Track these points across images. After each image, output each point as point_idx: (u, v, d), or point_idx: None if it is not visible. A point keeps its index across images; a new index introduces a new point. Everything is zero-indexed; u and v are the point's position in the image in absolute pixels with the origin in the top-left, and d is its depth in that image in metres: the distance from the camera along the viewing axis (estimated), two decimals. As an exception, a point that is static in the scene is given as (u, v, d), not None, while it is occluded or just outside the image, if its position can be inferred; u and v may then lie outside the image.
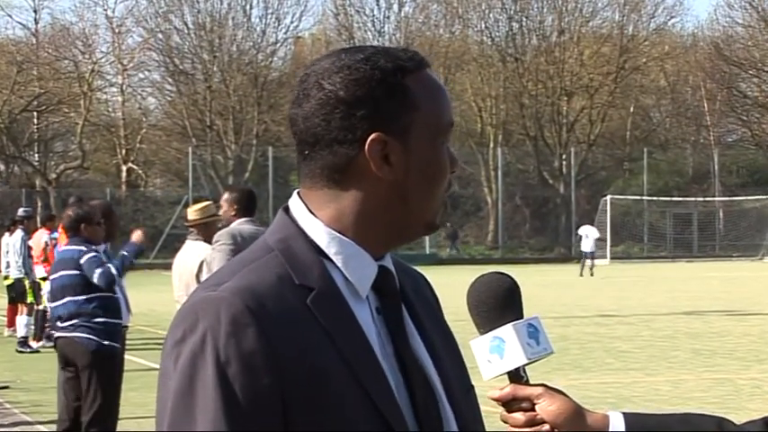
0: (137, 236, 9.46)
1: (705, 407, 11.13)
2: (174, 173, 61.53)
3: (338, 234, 1.85)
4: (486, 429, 1.98)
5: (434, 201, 1.88)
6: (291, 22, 60.28)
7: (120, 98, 60.98)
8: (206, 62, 58.28)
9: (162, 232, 51.69)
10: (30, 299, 18.62)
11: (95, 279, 8.62)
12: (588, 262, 41.10)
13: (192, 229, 8.99)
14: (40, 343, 18.01)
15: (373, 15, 60.46)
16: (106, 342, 8.68)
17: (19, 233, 18.82)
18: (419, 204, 1.86)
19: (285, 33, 60.09)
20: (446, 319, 2.02)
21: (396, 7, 60.80)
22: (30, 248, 18.57)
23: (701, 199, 60.22)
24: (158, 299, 23.26)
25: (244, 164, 57.22)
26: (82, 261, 8.72)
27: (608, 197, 54.79)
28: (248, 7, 58.97)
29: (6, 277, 19.34)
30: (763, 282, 34.63)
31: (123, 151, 59.03)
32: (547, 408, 1.93)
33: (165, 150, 60.05)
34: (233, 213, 8.18)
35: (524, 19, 61.15)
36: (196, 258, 8.57)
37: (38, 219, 20.00)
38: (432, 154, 1.86)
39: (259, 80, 57.65)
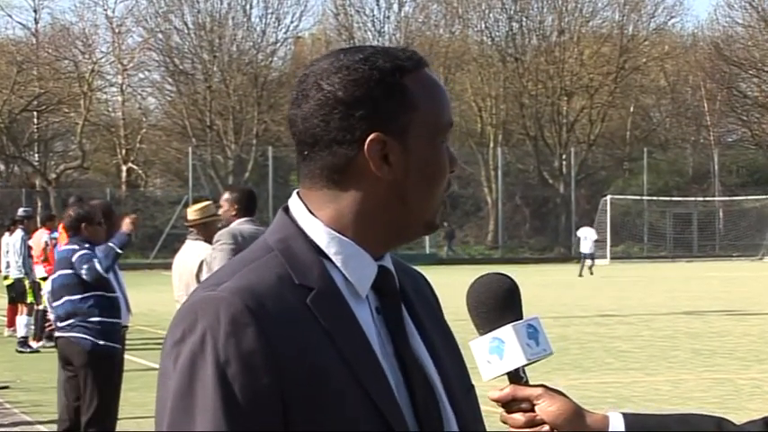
0: (125, 224, 9.30)
1: (705, 407, 11.13)
2: (174, 173, 61.55)
3: (338, 234, 1.85)
4: (487, 429, 1.98)
5: (434, 200, 1.88)
6: (291, 22, 60.37)
7: (120, 98, 61.02)
8: (206, 62, 58.29)
9: (162, 232, 51.71)
10: (30, 299, 18.62)
11: (84, 276, 8.63)
12: (588, 262, 41.15)
13: (191, 229, 8.99)
14: (40, 343, 18.02)
15: (373, 15, 60.54)
16: (102, 342, 8.64)
17: (19, 233, 18.83)
18: (419, 204, 1.86)
19: (285, 33, 60.19)
20: (446, 319, 2.02)
21: (396, 7, 60.89)
22: (30, 248, 18.58)
23: (701, 199, 60.22)
24: (158, 299, 23.26)
25: (244, 164, 57.23)
26: (73, 259, 8.73)
27: (608, 197, 54.80)
28: (248, 7, 59.05)
29: (6, 277, 19.34)
30: (763, 282, 34.63)
31: (123, 151, 59.03)
32: (546, 408, 1.93)
33: (165, 150, 60.06)
34: (233, 213, 8.18)
35: (524, 19, 61.17)
36: (196, 258, 8.57)
37: (38, 219, 20.01)
38: (431, 153, 1.86)
39: (259, 80, 57.66)
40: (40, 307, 17.70)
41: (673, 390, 13.06)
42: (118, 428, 9.11)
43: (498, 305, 1.95)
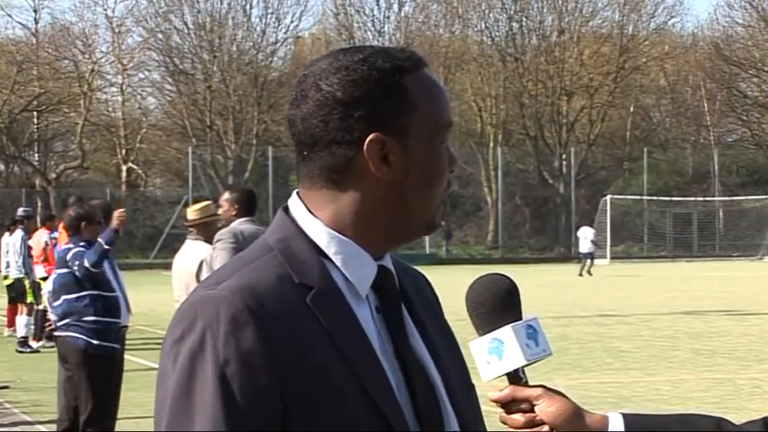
0: (113, 220, 9.21)
1: (705, 407, 11.13)
2: (173, 173, 61.55)
3: (338, 234, 1.86)
4: (487, 430, 1.98)
5: (433, 200, 1.88)
6: (291, 22, 60.35)
7: (120, 98, 61.00)
8: (206, 62, 58.29)
9: (162, 232, 51.72)
10: (30, 299, 18.62)
11: (76, 272, 8.64)
12: (588, 262, 41.19)
13: (191, 229, 8.99)
14: (40, 343, 18.02)
15: (373, 15, 60.52)
16: (96, 342, 8.61)
17: (19, 233, 18.83)
18: (418, 204, 1.86)
19: (285, 33, 60.17)
20: (446, 319, 2.02)
21: (396, 7, 60.87)
22: (30, 248, 18.58)
23: (701, 199, 60.22)
24: (158, 299, 23.26)
25: (244, 164, 57.23)
26: (67, 258, 8.74)
27: (608, 197, 54.80)
28: (248, 7, 59.03)
29: (6, 277, 19.34)
30: (763, 282, 34.63)
31: (123, 151, 59.02)
32: (546, 409, 1.93)
33: (165, 150, 60.05)
34: (233, 213, 8.18)
35: (524, 19, 61.16)
36: (196, 258, 8.57)
37: (38, 219, 20.00)
38: (430, 153, 1.86)
39: (259, 80, 57.66)
40: (40, 307, 17.70)
41: (673, 390, 13.06)
42: (117, 428, 9.12)
43: (497, 306, 1.95)
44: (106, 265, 8.98)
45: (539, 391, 1.94)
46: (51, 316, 9.45)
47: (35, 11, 60.60)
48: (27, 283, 18.68)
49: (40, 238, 18.48)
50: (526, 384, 1.94)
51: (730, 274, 39.57)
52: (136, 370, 13.34)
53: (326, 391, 1.75)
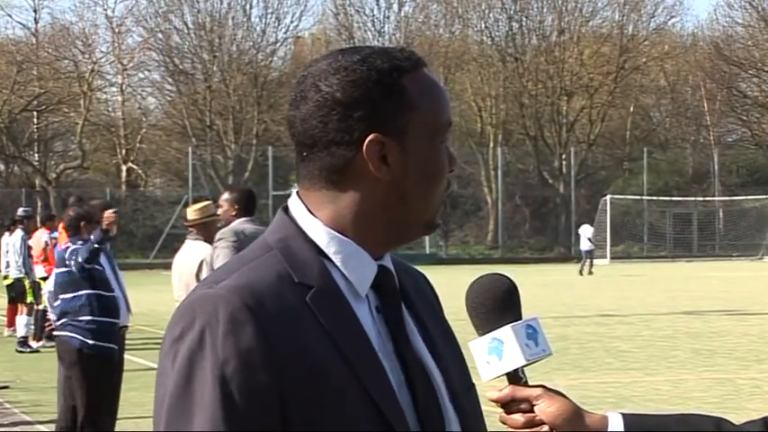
0: (104, 221, 9.00)
1: (705, 407, 11.13)
2: (173, 173, 61.54)
3: (337, 234, 1.86)
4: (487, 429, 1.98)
5: (433, 200, 1.88)
6: (291, 22, 60.34)
7: (119, 98, 61.00)
8: (206, 62, 58.28)
9: (162, 232, 51.71)
10: (30, 299, 18.62)
11: (73, 268, 8.63)
12: (588, 261, 41.21)
13: (191, 229, 8.98)
14: (40, 343, 18.02)
15: (373, 15, 60.51)
16: (91, 341, 8.58)
17: (19, 233, 18.83)
18: (418, 204, 1.86)
19: (285, 33, 60.16)
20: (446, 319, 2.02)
21: (396, 7, 60.86)
22: (30, 248, 18.58)
23: (701, 199, 60.21)
24: (158, 299, 23.25)
25: (244, 164, 57.22)
26: (66, 256, 8.75)
27: (608, 197, 54.79)
28: (248, 7, 59.03)
29: (6, 277, 19.34)
30: (763, 282, 34.62)
31: (123, 151, 59.02)
32: (546, 409, 1.93)
33: (164, 150, 60.05)
34: (233, 213, 8.18)
35: (524, 19, 61.15)
36: (196, 258, 8.57)
37: (38, 218, 20.00)
38: (430, 153, 1.86)
39: (259, 80, 57.65)
40: (40, 307, 17.71)
41: (672, 390, 13.06)
42: (117, 428, 9.11)
43: (497, 306, 1.95)
44: (106, 264, 8.97)
45: (538, 391, 1.94)
46: (51, 315, 9.45)
47: (35, 11, 60.65)
48: (27, 282, 18.68)
49: (40, 237, 18.48)
50: (526, 384, 1.94)
51: (730, 274, 39.56)
52: (136, 370, 13.34)
53: (326, 390, 1.75)
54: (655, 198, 57.90)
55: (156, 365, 1.82)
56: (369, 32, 59.74)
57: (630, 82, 62.18)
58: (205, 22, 58.03)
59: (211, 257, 8.05)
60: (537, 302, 23.56)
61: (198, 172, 55.03)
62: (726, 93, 62.85)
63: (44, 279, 16.40)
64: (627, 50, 61.15)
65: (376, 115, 1.83)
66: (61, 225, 12.82)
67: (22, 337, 18.16)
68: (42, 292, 16.92)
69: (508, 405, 1.94)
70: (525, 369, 1.94)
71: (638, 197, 57.49)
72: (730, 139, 67.06)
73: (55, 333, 8.92)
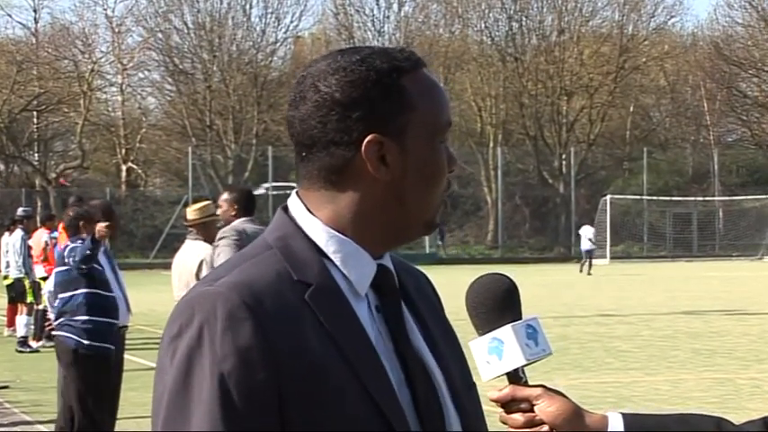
0: (96, 231, 8.82)
1: (705, 406, 11.13)
2: (173, 172, 61.54)
3: (336, 233, 1.86)
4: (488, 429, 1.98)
5: (433, 200, 1.88)
6: (291, 22, 60.32)
7: (119, 98, 60.99)
8: (206, 62, 58.28)
9: (162, 232, 51.71)
10: (29, 298, 18.62)
11: (72, 267, 8.63)
12: (588, 261, 41.22)
13: (191, 229, 8.98)
14: (40, 343, 18.02)
15: (373, 15, 60.49)
16: (87, 342, 8.55)
17: (19, 233, 18.83)
18: (417, 204, 1.86)
19: (285, 33, 60.14)
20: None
21: (395, 7, 60.84)
22: (29, 248, 18.58)
23: (701, 199, 60.21)
24: (158, 298, 23.25)
25: (243, 163, 57.22)
26: (65, 254, 8.74)
27: (608, 197, 54.79)
28: (248, 7, 59.01)
29: (6, 277, 19.34)
30: (762, 281, 34.63)
31: (123, 151, 59.02)
32: (546, 409, 1.93)
33: (164, 150, 60.04)
34: (233, 213, 8.18)
35: (524, 18, 61.14)
36: (195, 258, 8.57)
37: (37, 218, 20.00)
38: (429, 154, 1.86)
39: (259, 80, 57.64)
40: (40, 307, 17.71)
41: (672, 390, 13.06)
42: (117, 428, 9.11)
43: (497, 306, 1.95)
44: (106, 265, 8.97)
45: (538, 390, 1.94)
46: (51, 315, 9.45)
47: (35, 10, 60.63)
48: (27, 282, 18.68)
49: (40, 237, 18.48)
50: (526, 384, 1.94)
51: (730, 274, 39.57)
52: (136, 370, 13.33)
53: (325, 388, 1.74)
54: (655, 198, 57.90)
55: (155, 365, 1.82)
56: (369, 32, 59.75)
57: (630, 82, 62.17)
58: (205, 21, 58.02)
59: (211, 257, 8.05)
60: (537, 302, 23.56)
61: (198, 172, 55.03)
62: (726, 93, 62.84)
63: (44, 279, 16.39)
64: (627, 50, 61.14)
65: (375, 116, 1.83)
66: (61, 225, 12.83)
67: (22, 337, 18.16)
68: (42, 291, 16.94)
69: (508, 405, 1.94)
70: (525, 369, 1.94)
71: (638, 197, 57.49)
72: (730, 139, 67.07)
73: (53, 333, 8.92)
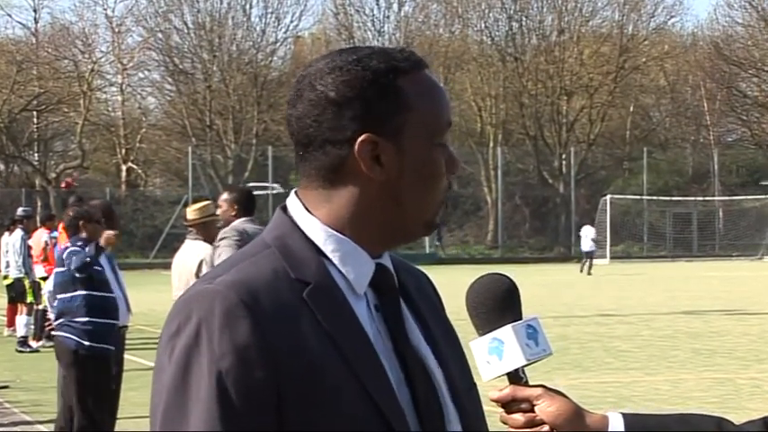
0: (102, 240, 8.91)
1: (705, 406, 11.13)
2: (173, 172, 61.54)
3: (335, 232, 1.86)
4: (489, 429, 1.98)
5: (431, 201, 1.87)
6: (291, 22, 60.32)
7: (119, 98, 61.00)
8: (206, 62, 58.28)
9: (161, 232, 51.70)
10: (29, 298, 18.62)
11: (71, 268, 8.62)
12: (588, 261, 41.24)
13: (191, 229, 8.98)
14: (40, 343, 18.01)
15: (373, 15, 60.49)
16: (87, 342, 8.55)
17: (18, 233, 18.83)
18: (415, 204, 1.86)
19: (285, 33, 60.13)
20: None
21: (395, 7, 60.85)
22: (29, 248, 18.58)
23: (701, 198, 60.21)
24: (158, 298, 23.24)
25: (243, 163, 57.22)
26: (64, 256, 8.74)
27: (608, 197, 54.80)
28: (248, 7, 59.01)
29: (6, 277, 19.34)
30: (762, 281, 34.62)
31: (123, 151, 59.02)
32: (546, 409, 1.92)
33: (164, 150, 60.05)
34: (233, 213, 8.18)
35: (524, 18, 61.14)
36: (195, 257, 8.57)
37: (37, 218, 20.00)
38: (427, 154, 1.86)
39: (259, 80, 57.64)
40: (40, 307, 17.71)
41: (672, 389, 13.06)
42: (117, 428, 9.11)
43: (497, 306, 1.94)
44: (106, 265, 8.97)
45: (539, 390, 1.94)
46: (51, 315, 9.45)
47: (35, 10, 60.62)
48: (27, 282, 18.68)
49: (40, 237, 18.47)
50: (526, 384, 1.94)
51: (730, 274, 39.57)
52: (136, 370, 13.33)
53: (324, 387, 1.74)
54: (655, 198, 57.91)
55: (155, 365, 1.82)
56: (369, 32, 59.75)
57: (630, 82, 62.17)
58: (205, 21, 58.02)
59: (211, 257, 8.05)
60: (537, 302, 23.56)
61: (198, 172, 55.03)
62: (726, 92, 62.84)
63: (44, 279, 16.40)
64: (627, 50, 61.14)
65: (370, 115, 1.83)
66: (61, 225, 12.83)
67: (22, 337, 18.16)
68: (42, 291, 16.95)
69: (509, 405, 1.94)
70: (526, 369, 1.94)
71: (638, 197, 57.49)
72: (730, 139, 67.08)
73: (53, 333, 8.91)
